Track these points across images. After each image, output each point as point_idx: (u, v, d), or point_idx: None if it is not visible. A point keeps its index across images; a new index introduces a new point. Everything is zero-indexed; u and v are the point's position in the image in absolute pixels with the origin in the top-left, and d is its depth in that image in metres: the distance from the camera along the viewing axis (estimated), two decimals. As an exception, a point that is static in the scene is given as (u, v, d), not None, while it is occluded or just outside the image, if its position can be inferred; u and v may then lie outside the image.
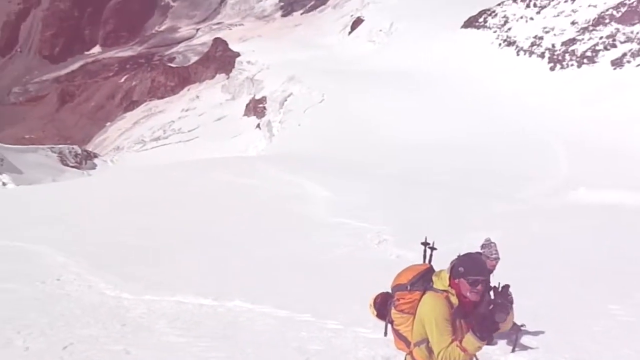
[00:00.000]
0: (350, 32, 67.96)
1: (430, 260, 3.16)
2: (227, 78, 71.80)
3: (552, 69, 43.06)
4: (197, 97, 74.21)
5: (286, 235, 12.90)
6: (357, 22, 67.04)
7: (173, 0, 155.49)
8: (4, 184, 26.42)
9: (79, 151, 43.84)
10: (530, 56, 45.39)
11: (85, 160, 43.32)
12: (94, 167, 43.20)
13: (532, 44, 46.26)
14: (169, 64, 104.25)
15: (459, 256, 2.82)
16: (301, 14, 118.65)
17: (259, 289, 8.38)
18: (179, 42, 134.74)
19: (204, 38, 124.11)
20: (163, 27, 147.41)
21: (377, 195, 16.73)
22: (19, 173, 31.95)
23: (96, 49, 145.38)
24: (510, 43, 47.81)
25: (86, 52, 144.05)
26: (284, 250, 11.35)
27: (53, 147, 41.72)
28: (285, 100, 45.98)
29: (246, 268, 9.97)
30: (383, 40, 58.23)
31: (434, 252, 3.20)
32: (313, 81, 45.80)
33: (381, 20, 61.62)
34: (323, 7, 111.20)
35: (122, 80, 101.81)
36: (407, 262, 3.40)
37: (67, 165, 39.69)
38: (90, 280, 8.73)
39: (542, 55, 44.79)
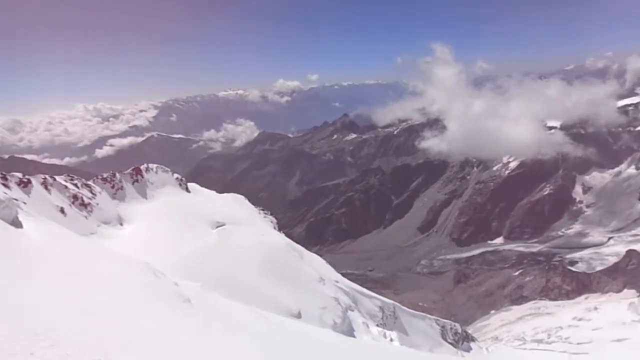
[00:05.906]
0: None
1: None
2: (639, 296, 62.01)
3: None
4: (596, 308, 66.25)
5: None
6: None
7: (586, 207, 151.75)
8: (391, 339, 29.47)
9: (459, 330, 45.26)
10: None
11: (462, 341, 44.32)
12: (468, 349, 43.55)
13: None
14: (569, 268, 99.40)
15: None
16: None
17: None
18: (585, 248, 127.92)
19: (616, 248, 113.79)
20: (570, 231, 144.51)
21: None
22: (405, 334, 35.67)
23: (498, 240, 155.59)
24: None
25: (489, 242, 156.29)
26: None
27: (438, 320, 44.49)
28: None
29: None
30: None
31: None
32: None
33: None
34: None
35: (516, 273, 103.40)
36: None
37: (445, 340, 41.56)
38: None
39: None
